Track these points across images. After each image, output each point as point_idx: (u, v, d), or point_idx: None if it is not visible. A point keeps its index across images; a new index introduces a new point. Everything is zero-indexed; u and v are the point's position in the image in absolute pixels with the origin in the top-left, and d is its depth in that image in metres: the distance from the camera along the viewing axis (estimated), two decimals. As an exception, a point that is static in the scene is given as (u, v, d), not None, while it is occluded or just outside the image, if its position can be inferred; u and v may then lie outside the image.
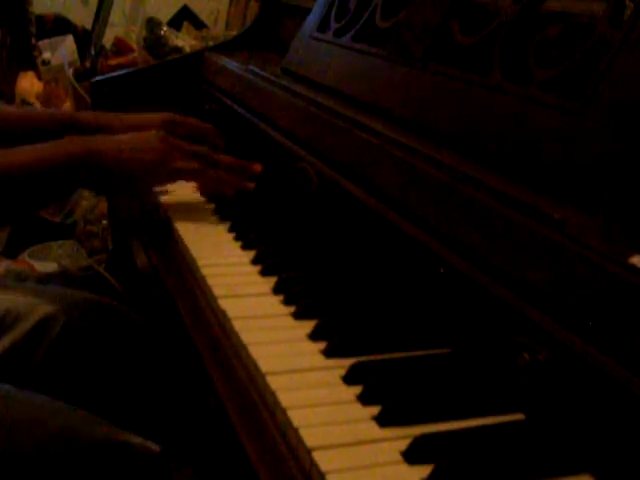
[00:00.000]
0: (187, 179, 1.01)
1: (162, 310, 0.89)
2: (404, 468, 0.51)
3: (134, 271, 1.03)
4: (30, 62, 2.93)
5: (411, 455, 0.51)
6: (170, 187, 1.05)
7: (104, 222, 1.89)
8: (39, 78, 2.84)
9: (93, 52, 2.64)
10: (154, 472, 0.81)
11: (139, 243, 1.00)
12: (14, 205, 0.91)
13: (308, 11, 1.22)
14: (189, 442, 0.88)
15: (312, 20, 1.19)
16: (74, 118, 1.11)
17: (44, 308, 1.00)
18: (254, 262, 0.83)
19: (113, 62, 2.45)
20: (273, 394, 0.58)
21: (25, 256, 1.89)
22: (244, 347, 0.65)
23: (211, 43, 1.96)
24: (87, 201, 1.96)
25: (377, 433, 0.54)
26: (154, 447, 0.82)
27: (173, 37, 2.40)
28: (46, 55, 2.94)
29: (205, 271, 0.80)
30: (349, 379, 0.60)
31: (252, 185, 0.99)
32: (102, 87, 1.50)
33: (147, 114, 1.13)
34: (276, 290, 0.76)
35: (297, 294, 0.74)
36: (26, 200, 0.92)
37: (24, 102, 2.68)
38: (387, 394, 0.57)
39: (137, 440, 0.82)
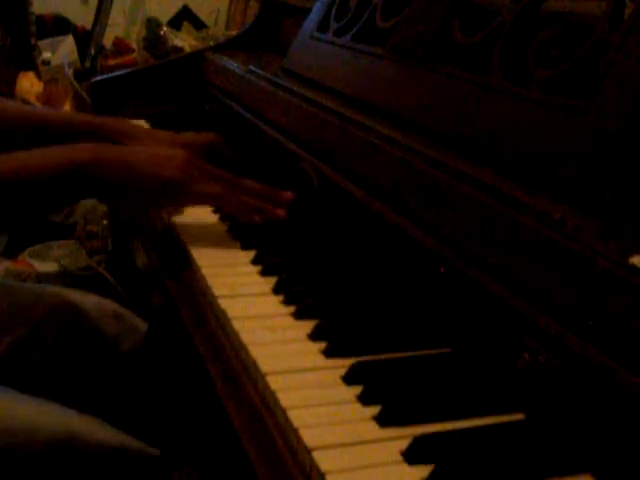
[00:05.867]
0: (210, 204, 0.93)
1: (162, 310, 0.89)
2: (404, 468, 0.51)
3: (134, 271, 1.03)
4: (30, 62, 2.93)
5: (411, 455, 0.51)
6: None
7: (104, 222, 1.89)
8: (39, 78, 2.85)
9: (93, 52, 2.64)
10: (153, 475, 0.81)
11: (139, 243, 0.99)
12: (9, 211, 0.83)
13: (308, 11, 1.22)
14: (189, 442, 0.88)
15: (312, 20, 1.19)
16: (95, 125, 1.02)
17: (43, 309, 1.00)
18: (254, 262, 0.83)
19: (113, 62, 2.45)
20: (273, 394, 0.58)
21: (25, 256, 1.89)
22: (244, 347, 0.65)
23: (211, 43, 1.96)
24: (87, 201, 1.96)
25: (377, 433, 0.54)
26: (153, 450, 0.82)
27: (173, 37, 2.41)
28: (46, 55, 2.95)
29: (205, 271, 0.80)
30: (349, 379, 0.60)
31: (283, 214, 0.88)
32: (102, 87, 1.50)
33: (173, 133, 1.05)
34: (276, 290, 0.76)
35: (297, 294, 0.74)
36: (23, 207, 0.84)
37: (24, 102, 2.68)
38: (387, 394, 0.57)
39: (136, 443, 0.82)
